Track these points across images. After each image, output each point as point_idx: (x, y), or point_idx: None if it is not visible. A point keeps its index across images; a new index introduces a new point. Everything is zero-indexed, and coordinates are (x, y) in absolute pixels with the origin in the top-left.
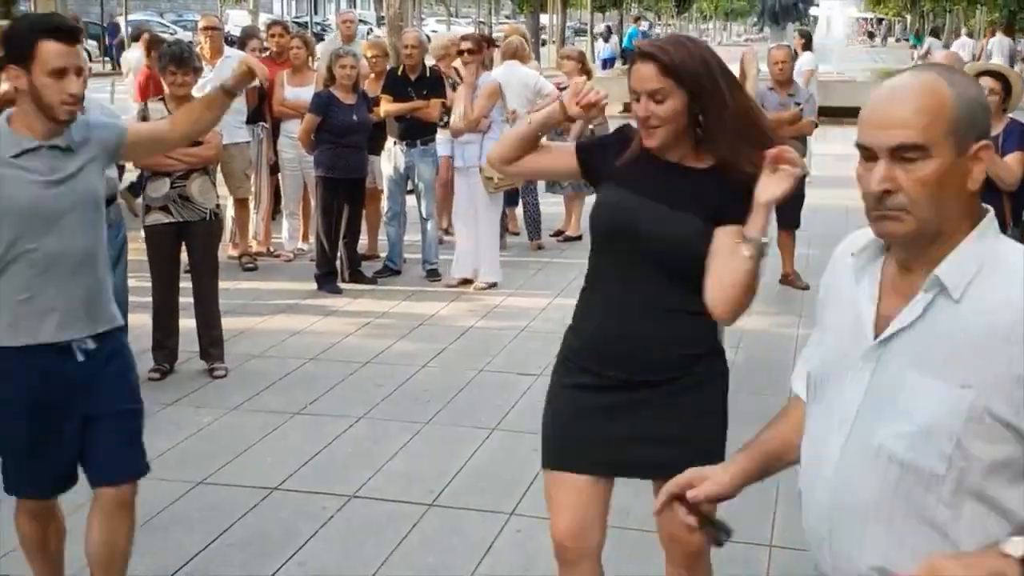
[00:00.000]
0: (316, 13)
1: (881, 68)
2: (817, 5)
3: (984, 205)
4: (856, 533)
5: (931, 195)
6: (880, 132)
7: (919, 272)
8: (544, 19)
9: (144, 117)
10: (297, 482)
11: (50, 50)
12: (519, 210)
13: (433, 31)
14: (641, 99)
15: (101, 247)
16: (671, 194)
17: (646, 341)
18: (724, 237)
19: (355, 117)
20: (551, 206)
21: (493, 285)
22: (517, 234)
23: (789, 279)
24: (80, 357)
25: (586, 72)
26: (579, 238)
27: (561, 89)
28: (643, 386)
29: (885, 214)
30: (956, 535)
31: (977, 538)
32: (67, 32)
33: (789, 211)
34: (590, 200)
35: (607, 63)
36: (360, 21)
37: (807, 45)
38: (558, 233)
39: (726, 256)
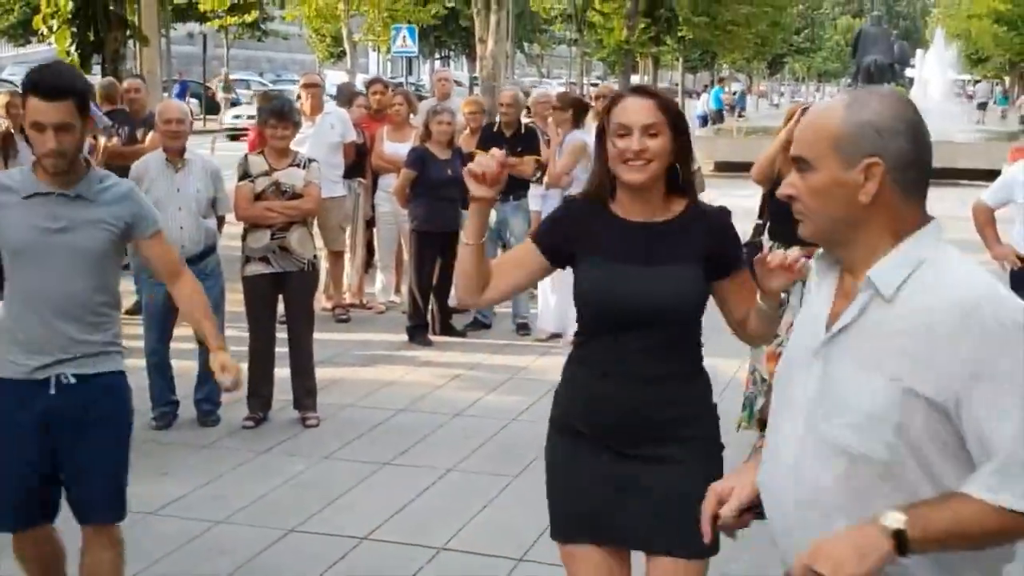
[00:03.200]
0: (411, 74)
1: (984, 129)
2: (913, 66)
3: (929, 214)
4: (816, 524)
5: (819, 203)
6: (793, 146)
7: (860, 275)
8: (635, 79)
9: (245, 171)
10: (388, 532)
11: (32, 105)
12: None
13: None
14: (634, 133)
15: (90, 296)
16: (658, 254)
17: (650, 409)
18: (743, 286)
19: (449, 172)
20: None
21: None
22: None
23: None
24: (52, 391)
25: None
26: None
27: None
28: (645, 458)
29: (796, 217)
30: None
31: None
32: (46, 89)
33: None
34: None
35: (703, 120)
36: (455, 82)
37: None
38: None
39: (753, 305)
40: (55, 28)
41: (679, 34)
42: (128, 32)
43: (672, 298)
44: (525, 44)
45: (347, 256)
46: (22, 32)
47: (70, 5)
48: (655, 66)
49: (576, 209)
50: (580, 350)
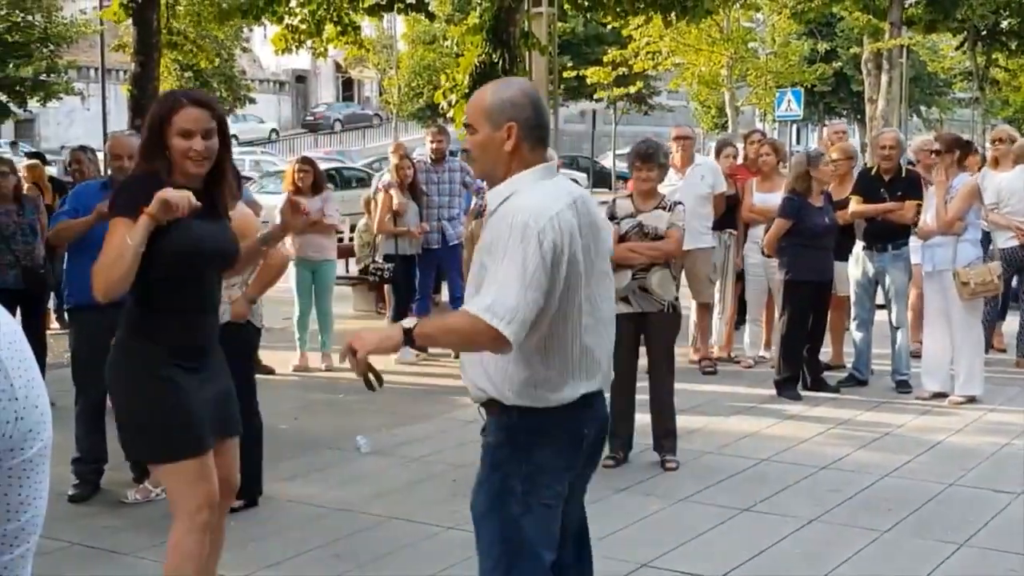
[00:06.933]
0: (798, 142)
1: None
2: None
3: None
4: None
5: (479, 152)
6: (464, 115)
7: None
8: None
9: (611, 212)
10: (744, 575)
11: None
12: (1006, 326)
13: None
14: (197, 137)
15: None
16: (212, 216)
17: (212, 331)
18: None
19: (826, 220)
20: None
21: (972, 399)
22: (1003, 351)
23: None
24: None
25: None
26: None
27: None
28: (209, 366)
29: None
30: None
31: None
32: None
33: None
34: None
35: None
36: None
37: None
38: None
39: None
40: (454, 103)
41: None
42: None
43: (236, 245)
44: (923, 108)
45: (716, 309)
46: (430, 115)
47: (466, 80)
48: None
49: (148, 182)
50: (166, 294)
